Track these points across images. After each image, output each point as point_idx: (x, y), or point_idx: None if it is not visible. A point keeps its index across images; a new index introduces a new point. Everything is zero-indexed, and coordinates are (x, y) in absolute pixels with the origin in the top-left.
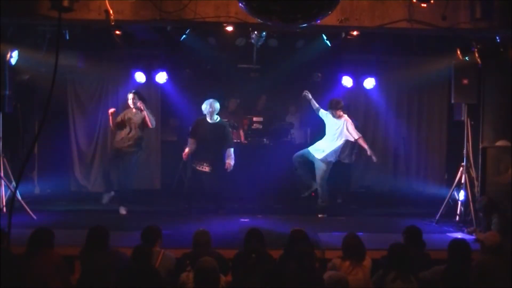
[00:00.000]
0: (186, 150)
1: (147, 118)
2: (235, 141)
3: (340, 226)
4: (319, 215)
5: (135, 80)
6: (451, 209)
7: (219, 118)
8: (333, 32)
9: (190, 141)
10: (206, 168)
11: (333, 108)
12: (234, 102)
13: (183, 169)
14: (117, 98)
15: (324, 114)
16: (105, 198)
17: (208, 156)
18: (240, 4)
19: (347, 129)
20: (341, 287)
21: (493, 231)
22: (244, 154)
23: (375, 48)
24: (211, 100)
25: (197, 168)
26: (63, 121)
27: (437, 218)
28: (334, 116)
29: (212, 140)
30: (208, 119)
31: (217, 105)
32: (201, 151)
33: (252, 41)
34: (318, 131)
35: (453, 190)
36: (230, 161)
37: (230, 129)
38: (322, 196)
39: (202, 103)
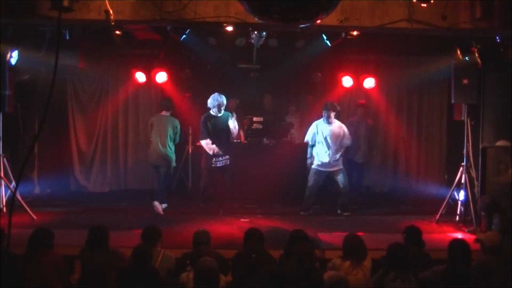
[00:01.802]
0: (215, 150)
1: None
2: (235, 141)
3: (340, 226)
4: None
5: (135, 80)
6: (451, 209)
7: (223, 111)
8: (333, 32)
9: (207, 141)
10: (225, 162)
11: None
12: (234, 102)
13: (183, 169)
14: (117, 98)
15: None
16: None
17: (224, 150)
18: (241, 3)
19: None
20: (341, 287)
21: (493, 231)
22: (244, 154)
23: (375, 48)
24: (216, 94)
25: (217, 165)
26: (63, 121)
27: (437, 218)
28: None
29: (223, 133)
30: (214, 113)
31: (223, 99)
32: (218, 142)
33: (252, 41)
34: None
35: (453, 190)
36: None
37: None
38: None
39: (202, 103)
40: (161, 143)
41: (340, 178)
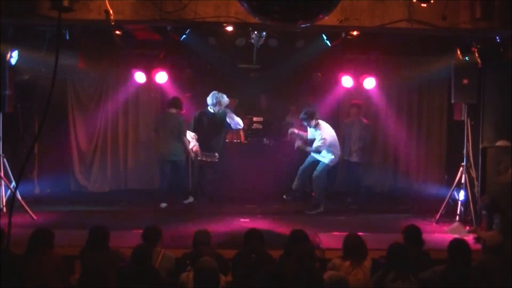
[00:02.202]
0: (194, 147)
1: None
2: (235, 141)
3: (340, 226)
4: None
5: (135, 80)
6: (451, 209)
7: (221, 109)
8: (333, 32)
9: (192, 134)
10: (213, 158)
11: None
12: (233, 102)
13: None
14: (117, 98)
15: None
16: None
17: (215, 146)
18: (240, 3)
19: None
20: (341, 287)
21: (495, 230)
22: (244, 154)
23: (375, 48)
24: (215, 92)
25: (205, 159)
26: (63, 121)
27: (437, 218)
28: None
29: (215, 130)
30: (212, 111)
31: (221, 97)
32: (206, 142)
33: (252, 41)
34: None
35: (453, 190)
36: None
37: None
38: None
39: (202, 103)
40: (170, 139)
41: (318, 167)
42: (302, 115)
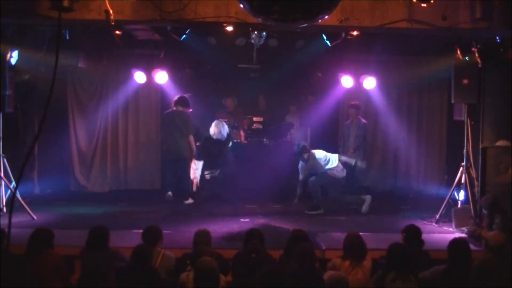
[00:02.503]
0: (195, 180)
1: None
2: (235, 141)
3: (340, 226)
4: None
5: (135, 80)
6: (451, 209)
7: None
8: (333, 32)
9: (200, 163)
10: (214, 173)
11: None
12: (232, 101)
13: None
14: (117, 98)
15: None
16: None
17: (217, 165)
18: (241, 3)
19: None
20: (341, 287)
21: (497, 230)
22: (244, 154)
23: (375, 48)
24: (217, 121)
25: (209, 176)
26: (63, 121)
27: (437, 218)
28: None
29: (219, 152)
30: (215, 138)
31: (221, 126)
32: (210, 162)
33: (252, 41)
34: (318, 131)
35: (453, 190)
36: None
37: (231, 129)
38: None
39: (202, 103)
40: (178, 137)
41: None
42: (296, 155)
